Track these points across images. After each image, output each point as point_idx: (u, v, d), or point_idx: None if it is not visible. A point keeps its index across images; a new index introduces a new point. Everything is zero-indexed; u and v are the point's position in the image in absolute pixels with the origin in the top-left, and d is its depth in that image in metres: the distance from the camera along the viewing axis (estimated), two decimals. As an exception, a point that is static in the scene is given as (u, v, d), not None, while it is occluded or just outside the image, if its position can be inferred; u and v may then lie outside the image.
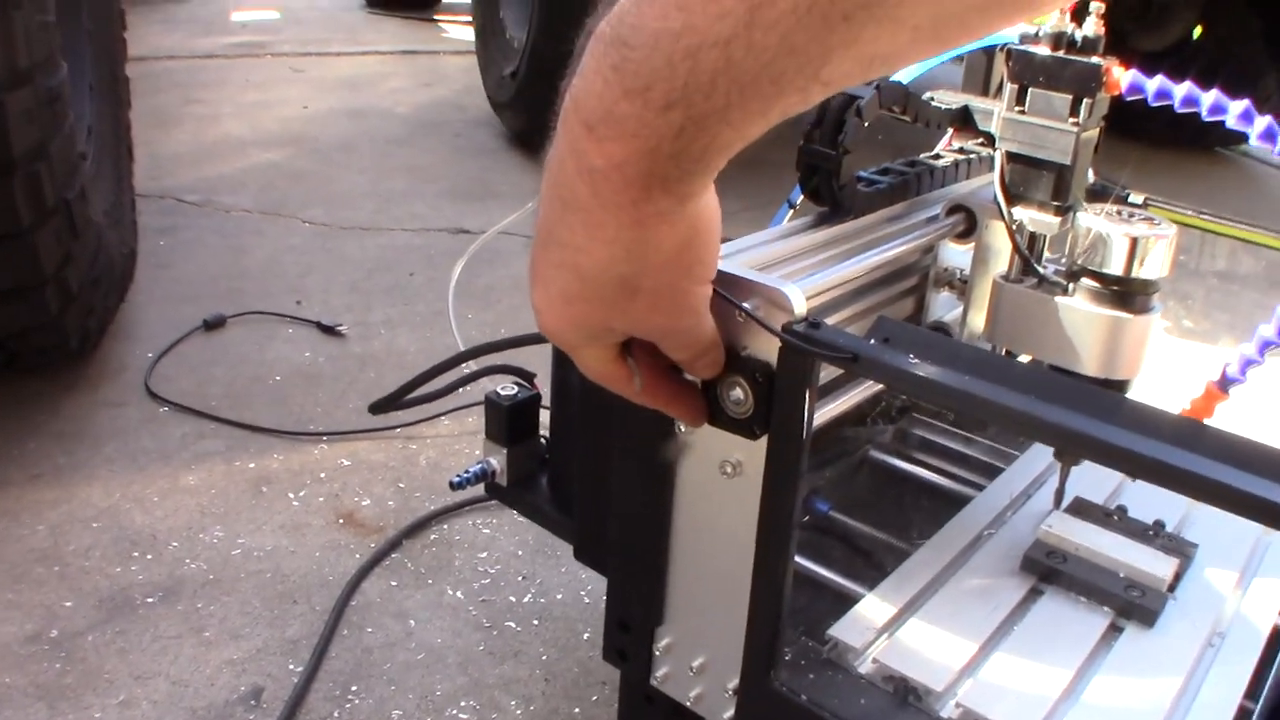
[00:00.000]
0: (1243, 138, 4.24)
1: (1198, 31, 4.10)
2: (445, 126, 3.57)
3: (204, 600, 1.32)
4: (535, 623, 1.31)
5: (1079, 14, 0.96)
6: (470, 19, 3.81)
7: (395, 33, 5.25)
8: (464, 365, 1.20)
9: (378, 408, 1.20)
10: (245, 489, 1.54)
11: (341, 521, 1.48)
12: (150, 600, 1.31)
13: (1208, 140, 4.23)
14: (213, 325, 2.00)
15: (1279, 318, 0.92)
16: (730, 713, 0.88)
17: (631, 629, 0.93)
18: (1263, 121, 0.87)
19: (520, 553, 1.43)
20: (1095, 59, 0.94)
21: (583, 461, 0.97)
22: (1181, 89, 0.91)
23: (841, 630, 0.87)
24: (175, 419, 1.71)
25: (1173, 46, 4.05)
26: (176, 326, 1.98)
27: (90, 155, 1.81)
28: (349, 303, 2.16)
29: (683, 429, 0.83)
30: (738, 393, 0.75)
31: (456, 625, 1.30)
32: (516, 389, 1.08)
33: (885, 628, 0.89)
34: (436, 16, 5.78)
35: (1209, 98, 0.90)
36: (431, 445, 1.67)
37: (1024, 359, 0.99)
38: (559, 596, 1.35)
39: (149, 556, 1.39)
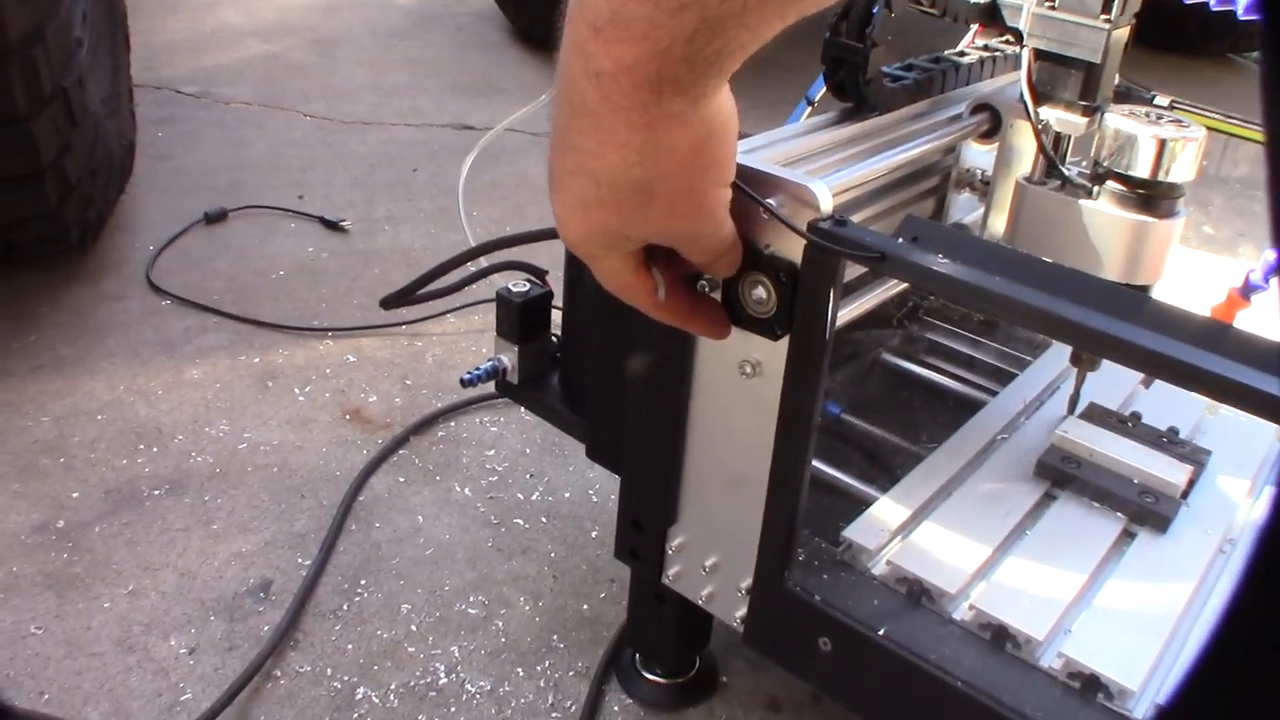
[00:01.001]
0: (1255, 44, 4.18)
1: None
2: (447, 20, 3.49)
3: (211, 493, 1.32)
4: (543, 520, 1.31)
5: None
6: (474, -92, 3.71)
7: (395, -79, 5.12)
8: (473, 261, 1.18)
9: (389, 303, 1.19)
10: (250, 383, 1.53)
11: (348, 417, 1.47)
12: (157, 492, 1.31)
13: (1217, 46, 4.16)
14: (214, 219, 1.98)
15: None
16: (743, 611, 0.88)
17: (644, 528, 0.93)
18: None
19: (528, 451, 1.43)
20: (1131, -48, 0.91)
21: (597, 359, 0.96)
22: (1219, -15, 0.88)
23: (855, 532, 0.87)
24: (177, 312, 1.69)
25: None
26: (177, 219, 1.96)
27: (86, 43, 1.77)
28: (351, 198, 2.13)
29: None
30: (760, 292, 0.73)
31: (464, 522, 1.30)
32: (528, 286, 1.07)
33: (899, 530, 0.89)
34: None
35: (1247, -5, 0.87)
36: (438, 342, 1.66)
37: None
38: (566, 495, 1.35)
39: (154, 449, 1.38)
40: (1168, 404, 1.06)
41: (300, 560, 1.22)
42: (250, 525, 1.27)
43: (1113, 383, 1.08)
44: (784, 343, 0.76)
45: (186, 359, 1.58)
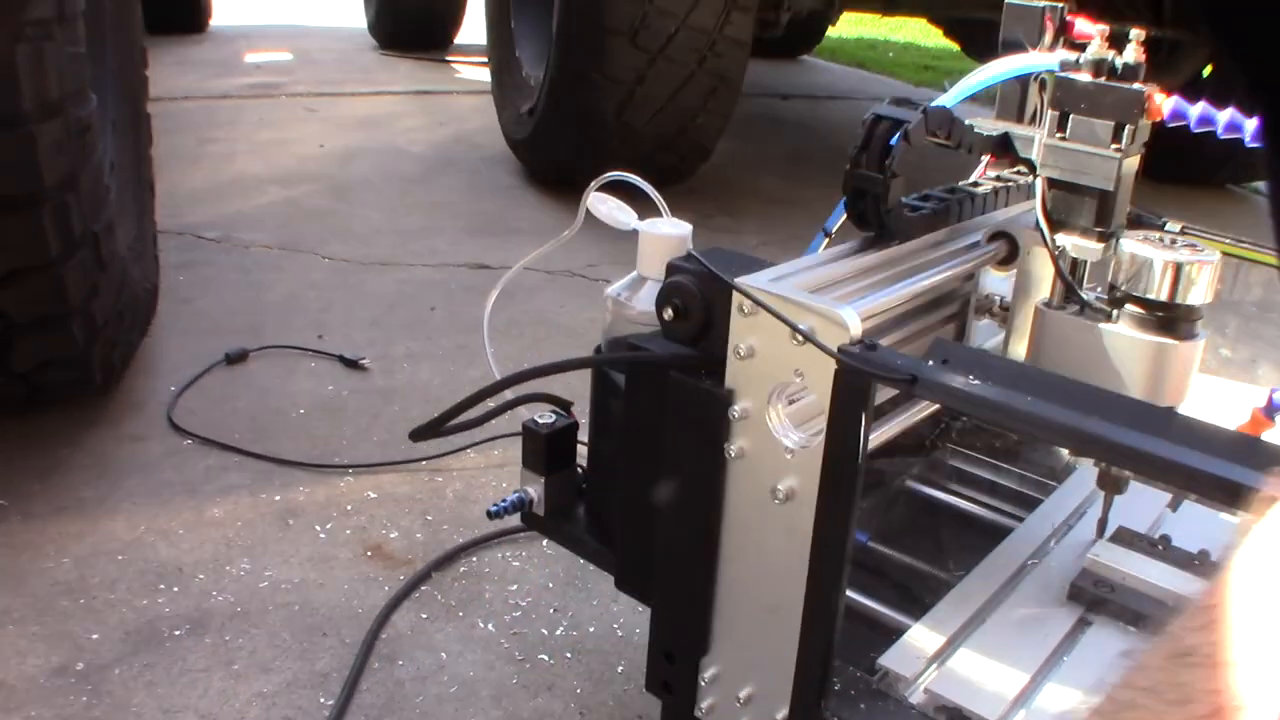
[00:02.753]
0: (1253, 174, 4.22)
1: (1207, 70, 4.12)
2: (462, 164, 3.58)
3: (232, 633, 1.30)
4: (568, 655, 1.29)
5: (1118, 42, 0.96)
6: (484, 59, 3.84)
7: (408, 73, 5.29)
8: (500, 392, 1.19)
9: (418, 435, 1.19)
10: (271, 521, 1.53)
11: (369, 554, 1.47)
12: (178, 633, 1.30)
13: (1219, 176, 4.24)
14: (234, 359, 2.00)
15: (1325, 344, 0.91)
16: (780, 743, 0.86)
17: (676, 659, 0.92)
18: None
19: (551, 585, 1.41)
20: (1137, 85, 0.94)
21: (626, 489, 0.96)
22: (1225, 115, 0.91)
23: (891, 660, 0.86)
24: (199, 452, 1.70)
25: (1184, 84, 4.06)
26: (198, 360, 1.98)
27: (114, 190, 1.82)
28: (370, 337, 2.16)
29: (732, 454, 0.82)
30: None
31: (488, 658, 1.28)
32: (554, 417, 1.08)
33: (935, 657, 0.88)
34: (449, 57, 5.83)
35: (1252, 124, 0.90)
36: (458, 477, 1.66)
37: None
38: (591, 629, 1.34)
39: (175, 589, 1.38)
40: (1196, 526, 1.05)
41: (323, 700, 1.20)
42: (272, 665, 1.26)
43: (1140, 506, 1.07)
44: (816, 467, 0.77)
45: (208, 498, 1.58)
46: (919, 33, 7.99)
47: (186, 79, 4.65)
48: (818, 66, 6.78)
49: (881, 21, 7.74)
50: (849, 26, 7.65)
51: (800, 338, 0.74)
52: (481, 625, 1.34)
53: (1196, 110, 0.95)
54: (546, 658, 1.29)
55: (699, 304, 0.82)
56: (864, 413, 0.73)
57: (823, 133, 4.61)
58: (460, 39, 6.23)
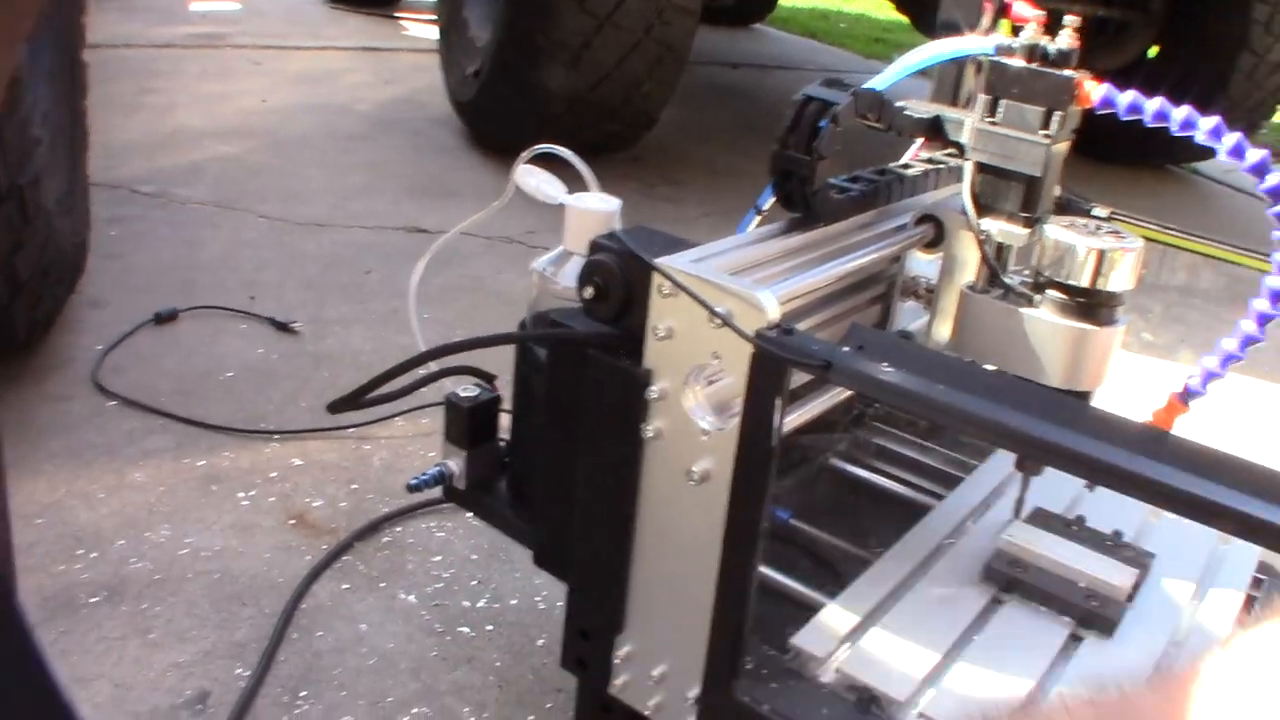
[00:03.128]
0: (1193, 155, 4.28)
1: (1153, 51, 4.16)
2: (405, 124, 3.53)
3: (149, 601, 1.29)
4: (489, 628, 1.29)
5: (1053, 28, 0.96)
6: (433, 17, 3.78)
7: (357, 29, 5.20)
8: (424, 365, 1.18)
9: (336, 407, 1.17)
10: (194, 487, 1.51)
11: (292, 522, 1.45)
12: (94, 600, 1.28)
13: (1158, 157, 4.29)
14: (164, 319, 1.96)
15: (1241, 331, 0.92)
16: (691, 722, 0.86)
17: (591, 636, 0.92)
18: (1232, 137, 0.87)
19: (474, 557, 1.41)
20: (1068, 72, 0.94)
21: (545, 466, 0.95)
22: (1153, 104, 0.91)
23: (804, 639, 0.87)
24: (123, 414, 1.67)
25: (1129, 65, 4.10)
26: (127, 319, 1.94)
27: (45, 141, 1.77)
28: (304, 299, 2.13)
29: (648, 434, 0.82)
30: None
31: (409, 630, 1.27)
32: (477, 390, 1.07)
33: (848, 637, 0.88)
34: (398, 14, 5.74)
35: (1180, 113, 0.90)
36: (385, 446, 1.65)
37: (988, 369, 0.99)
38: (513, 602, 1.33)
39: (93, 555, 1.35)
40: (1112, 508, 1.07)
41: (239, 671, 1.19)
42: (189, 634, 1.24)
43: (1058, 487, 1.09)
44: (731, 449, 0.76)
45: (130, 461, 1.55)
46: (871, 4, 7.99)
47: (128, 26, 4.53)
48: (769, 35, 6.76)
49: (835, -8, 7.72)
50: (802, -4, 7.63)
51: (718, 320, 0.74)
52: (403, 596, 1.33)
53: (1126, 98, 0.95)
54: (467, 630, 1.28)
55: (619, 283, 0.81)
56: (779, 397, 0.73)
57: (771, 103, 4.60)
58: (410, -5, 6.14)
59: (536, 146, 1.07)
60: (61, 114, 1.97)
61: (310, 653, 1.23)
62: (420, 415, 1.70)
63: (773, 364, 0.71)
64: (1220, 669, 0.40)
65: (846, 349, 0.71)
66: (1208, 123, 0.88)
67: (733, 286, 0.74)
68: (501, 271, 2.36)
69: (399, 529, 1.45)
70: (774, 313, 0.73)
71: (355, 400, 1.17)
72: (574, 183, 1.08)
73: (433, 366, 1.18)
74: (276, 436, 1.64)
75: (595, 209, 0.98)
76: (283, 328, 1.98)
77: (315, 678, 1.19)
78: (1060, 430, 0.66)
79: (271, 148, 3.12)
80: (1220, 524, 0.62)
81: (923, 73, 1.15)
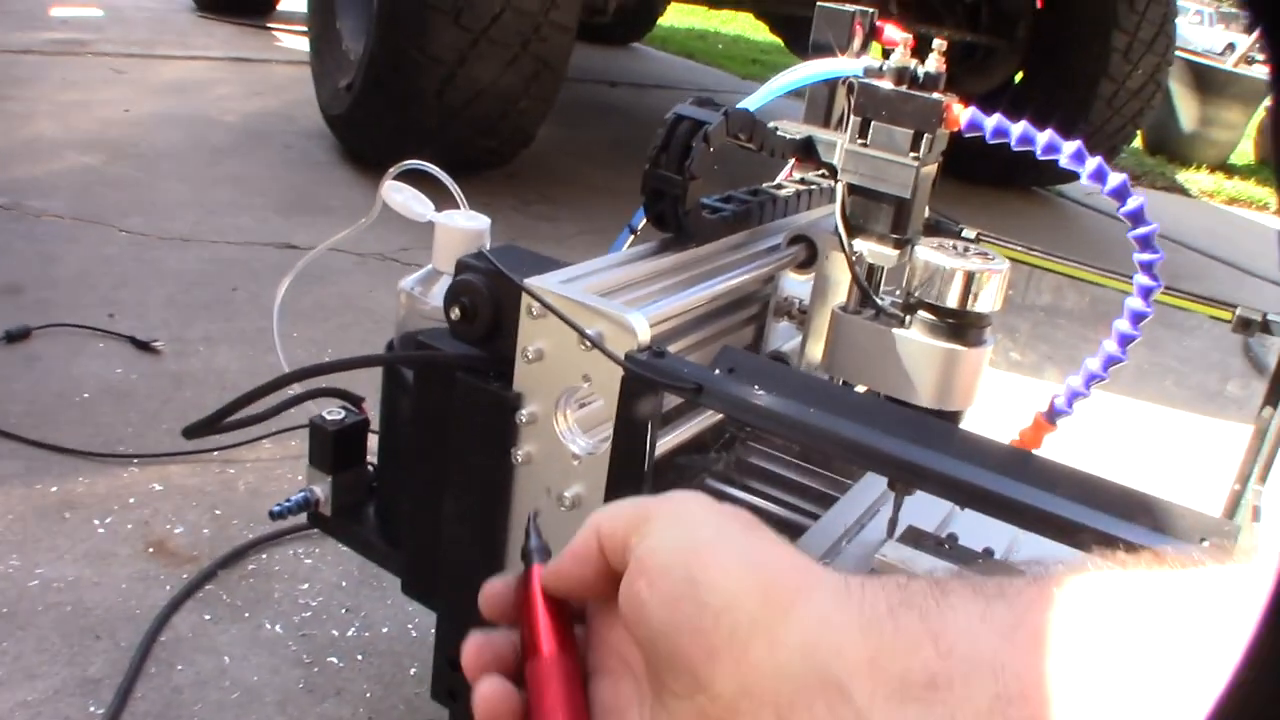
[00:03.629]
0: (1057, 178, 4.43)
1: (1019, 77, 4.29)
2: (275, 137, 3.45)
3: (-6, 636, 1.22)
4: (359, 658, 1.25)
5: (921, 51, 0.97)
6: (305, 28, 3.70)
7: (226, 38, 5.08)
8: (289, 387, 1.14)
9: (193, 431, 1.13)
10: (46, 514, 1.43)
11: (151, 550, 1.39)
12: (-67, 636, 1.21)
13: (1023, 179, 4.43)
14: (15, 337, 1.87)
15: (1104, 351, 0.94)
16: (562, 754, 0.84)
17: (460, 667, 0.89)
18: (1093, 161, 0.89)
19: (344, 584, 1.37)
20: (936, 95, 0.95)
21: (413, 491, 0.92)
22: (1018, 128, 0.92)
23: (678, 666, 0.85)
24: (-31, 438, 1.58)
25: (994, 90, 4.22)
26: (-26, 338, 1.85)
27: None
28: (166, 317, 2.05)
29: (519, 459, 0.80)
30: (577, 422, 0.72)
31: (274, 661, 1.23)
32: (344, 413, 1.03)
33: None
34: (270, 24, 5.62)
35: (1043, 137, 0.91)
36: (251, 470, 1.59)
37: (861, 389, 0.99)
38: (384, 630, 1.30)
39: (-67, 588, 1.28)
40: (983, 526, 1.08)
41: (93, 709, 1.13)
42: (38, 671, 1.18)
43: (930, 506, 1.09)
44: (603, 473, 0.75)
45: (-25, 488, 1.47)
46: (748, 26, 8.10)
47: (-18, 32, 4.36)
48: (648, 55, 6.80)
49: (712, 14, 7.81)
50: (679, 17, 7.70)
51: (588, 343, 0.72)
52: (269, 626, 1.28)
53: (992, 122, 0.96)
54: (336, 660, 1.24)
55: (488, 304, 0.79)
56: (651, 420, 0.71)
57: (649, 121, 4.61)
58: (283, 5, 6.01)
59: (404, 163, 1.04)
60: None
61: (169, 688, 1.17)
62: (289, 438, 1.65)
63: (643, 387, 0.70)
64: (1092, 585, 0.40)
65: (717, 372, 0.70)
66: (1070, 147, 0.89)
67: (603, 308, 0.72)
68: (373, 290, 2.31)
69: (264, 556, 1.41)
70: (644, 335, 0.72)
71: (214, 424, 1.12)
72: (444, 200, 1.06)
73: (298, 388, 1.14)
74: (135, 461, 1.58)
75: (463, 226, 0.96)
76: (144, 347, 1.91)
77: (174, 714, 1.14)
78: (927, 453, 0.66)
79: (134, 159, 3.02)
80: (1080, 541, 0.63)
81: (795, 94, 1.15)
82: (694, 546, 0.44)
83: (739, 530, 0.45)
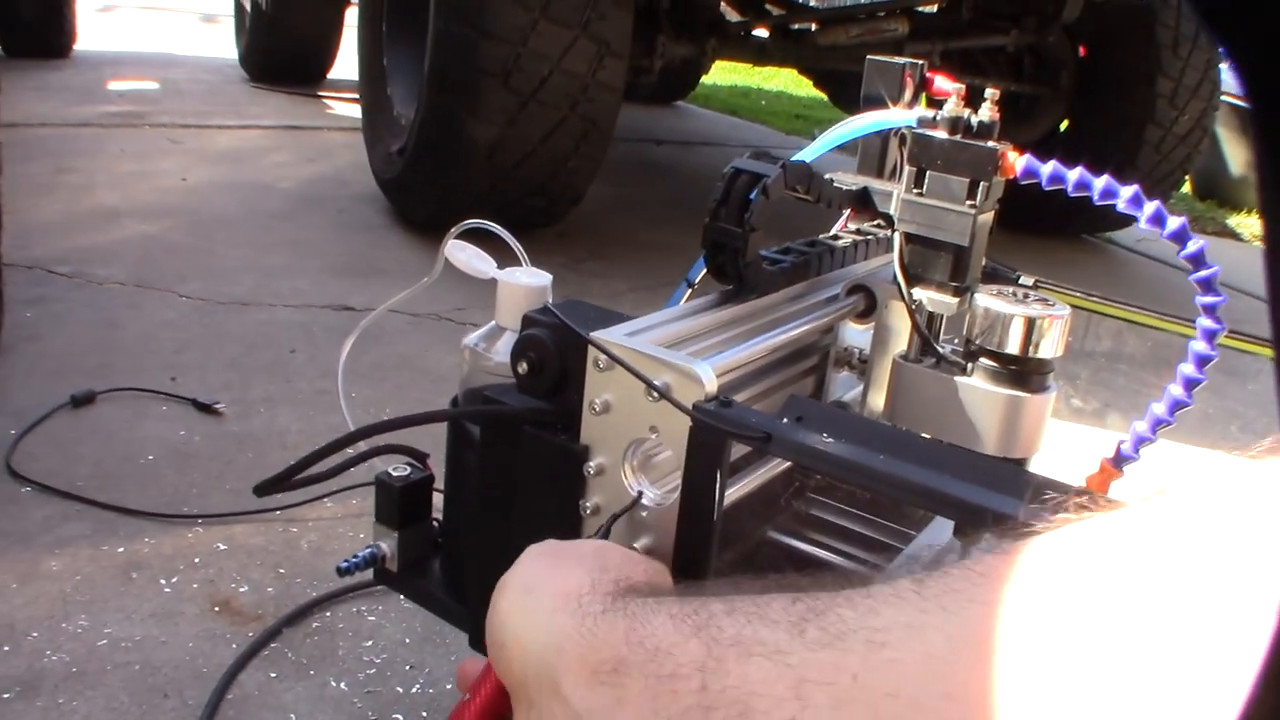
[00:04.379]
0: (1108, 224, 4.40)
1: (1064, 125, 4.29)
2: (329, 202, 3.52)
3: (66, 695, 1.23)
4: (424, 715, 1.25)
5: (974, 100, 0.98)
6: (356, 95, 3.78)
7: (279, 107, 5.19)
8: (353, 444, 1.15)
9: (262, 489, 1.14)
10: (113, 575, 1.46)
11: (217, 609, 1.40)
12: (7, 696, 1.22)
13: (1073, 227, 4.41)
14: (81, 402, 1.91)
15: (1169, 396, 0.93)
16: (634, 807, 0.84)
17: (530, 721, 0.89)
18: (1151, 205, 0.89)
19: (408, 640, 1.37)
20: (991, 143, 0.95)
21: (480, 545, 0.93)
22: (1074, 174, 0.92)
23: (748, 718, 0.85)
24: (38, 500, 1.61)
25: (1041, 139, 4.22)
26: (42, 403, 1.89)
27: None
28: (227, 380, 2.09)
29: (587, 510, 0.80)
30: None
31: (340, 719, 1.23)
32: (409, 469, 1.04)
33: (792, 715, 0.86)
34: (321, 93, 5.74)
35: (1100, 182, 0.91)
36: (314, 529, 1.61)
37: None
38: (449, 686, 1.30)
39: (5, 648, 1.30)
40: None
41: (161, 767, 1.15)
42: (107, 729, 1.19)
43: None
44: (672, 526, 0.75)
45: (45, 549, 1.50)
46: (790, 82, 8.16)
47: (45, 105, 4.49)
48: (691, 112, 6.87)
49: (754, 71, 7.88)
50: (722, 74, 7.78)
51: (655, 394, 0.73)
52: (334, 684, 1.29)
53: (1048, 169, 0.96)
54: (401, 717, 1.24)
55: (554, 358, 0.80)
56: (719, 470, 0.72)
57: (695, 178, 4.65)
58: (334, 74, 6.15)
59: (466, 221, 1.06)
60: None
61: (236, 746, 1.18)
62: (350, 496, 1.67)
63: (712, 437, 0.70)
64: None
65: (785, 420, 0.71)
66: (1127, 191, 0.89)
67: (669, 359, 0.73)
68: (430, 349, 2.34)
69: (329, 614, 1.42)
70: (711, 385, 0.72)
71: (283, 482, 1.14)
72: (503, 259, 1.07)
73: (362, 446, 1.16)
74: (200, 521, 1.60)
75: (527, 283, 0.97)
76: (205, 409, 1.94)
77: (241, 773, 1.15)
78: (997, 496, 0.66)
79: (192, 226, 3.09)
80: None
81: (846, 147, 1.16)
82: (498, 604, 0.61)
83: (532, 569, 0.63)
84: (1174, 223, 0.89)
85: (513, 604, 0.59)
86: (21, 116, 4.06)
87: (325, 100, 5.58)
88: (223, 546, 1.54)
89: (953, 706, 0.36)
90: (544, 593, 0.57)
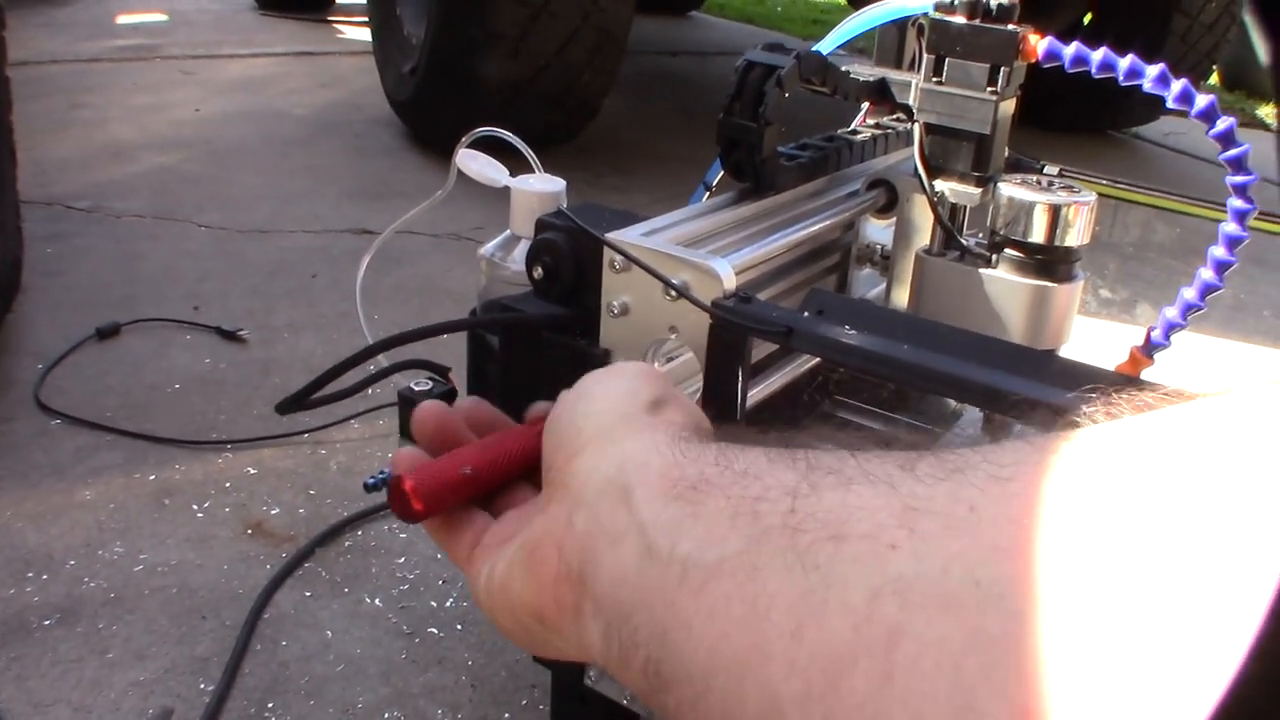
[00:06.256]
0: (1133, 118, 4.30)
1: (1088, 18, 4.19)
2: (344, 127, 3.49)
3: (105, 620, 1.25)
4: (459, 628, 1.26)
5: (991, -16, 0.95)
6: (366, 19, 3.73)
7: (289, 34, 5.13)
8: (374, 361, 1.15)
9: (284, 407, 1.14)
10: (146, 502, 1.47)
11: (250, 532, 1.42)
12: (47, 622, 1.24)
13: (1098, 122, 4.32)
14: (106, 334, 1.92)
15: (1200, 280, 0.91)
16: (668, 708, 0.84)
17: (562, 627, 0.90)
18: (1178, 85, 0.86)
19: (439, 556, 1.38)
20: (1011, 26, 0.93)
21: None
22: (1098, 54, 0.90)
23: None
24: (68, 432, 1.62)
25: (1063, 32, 4.12)
26: (68, 336, 1.89)
27: (-32, 160, 1.72)
28: (250, 307, 2.08)
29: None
30: (667, 373, 0.71)
31: (376, 634, 1.25)
32: (430, 384, 1.04)
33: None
34: (331, 18, 5.67)
35: (1125, 62, 0.88)
36: (342, 450, 1.61)
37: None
38: (482, 599, 1.31)
39: (44, 576, 1.31)
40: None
41: (203, 685, 1.16)
42: (148, 651, 1.21)
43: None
44: (694, 425, 0.74)
45: (78, 479, 1.51)
46: (807, -14, 8.00)
47: (54, 42, 4.45)
48: (706, 22, 6.75)
49: (769, -25, 7.72)
50: (737, -19, 7.62)
51: (673, 293, 0.72)
52: (368, 600, 1.30)
53: (1071, 50, 0.94)
54: (436, 630, 1.25)
55: (569, 261, 0.79)
56: (741, 367, 0.71)
57: (712, 88, 4.58)
58: (342, -2, 6.07)
59: (476, 130, 1.05)
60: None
61: (276, 663, 1.20)
62: (377, 416, 1.67)
63: (732, 333, 0.69)
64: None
65: (807, 314, 0.69)
66: (1153, 70, 0.87)
67: (687, 257, 0.72)
68: (451, 269, 2.33)
69: (360, 533, 1.42)
70: (730, 282, 0.71)
71: (303, 399, 1.14)
72: (517, 169, 1.06)
73: (384, 362, 1.15)
74: (229, 446, 1.61)
75: (541, 189, 0.96)
76: (230, 336, 1.94)
77: (282, 688, 1.16)
78: (1028, 382, 0.65)
79: (208, 157, 3.07)
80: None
81: (864, 38, 1.13)
82: (581, 391, 0.57)
83: (625, 381, 0.57)
84: (1202, 101, 0.86)
85: (612, 405, 0.54)
86: (31, 54, 4.03)
87: (336, 25, 5.51)
88: (252, 470, 1.55)
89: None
90: (635, 413, 0.53)
